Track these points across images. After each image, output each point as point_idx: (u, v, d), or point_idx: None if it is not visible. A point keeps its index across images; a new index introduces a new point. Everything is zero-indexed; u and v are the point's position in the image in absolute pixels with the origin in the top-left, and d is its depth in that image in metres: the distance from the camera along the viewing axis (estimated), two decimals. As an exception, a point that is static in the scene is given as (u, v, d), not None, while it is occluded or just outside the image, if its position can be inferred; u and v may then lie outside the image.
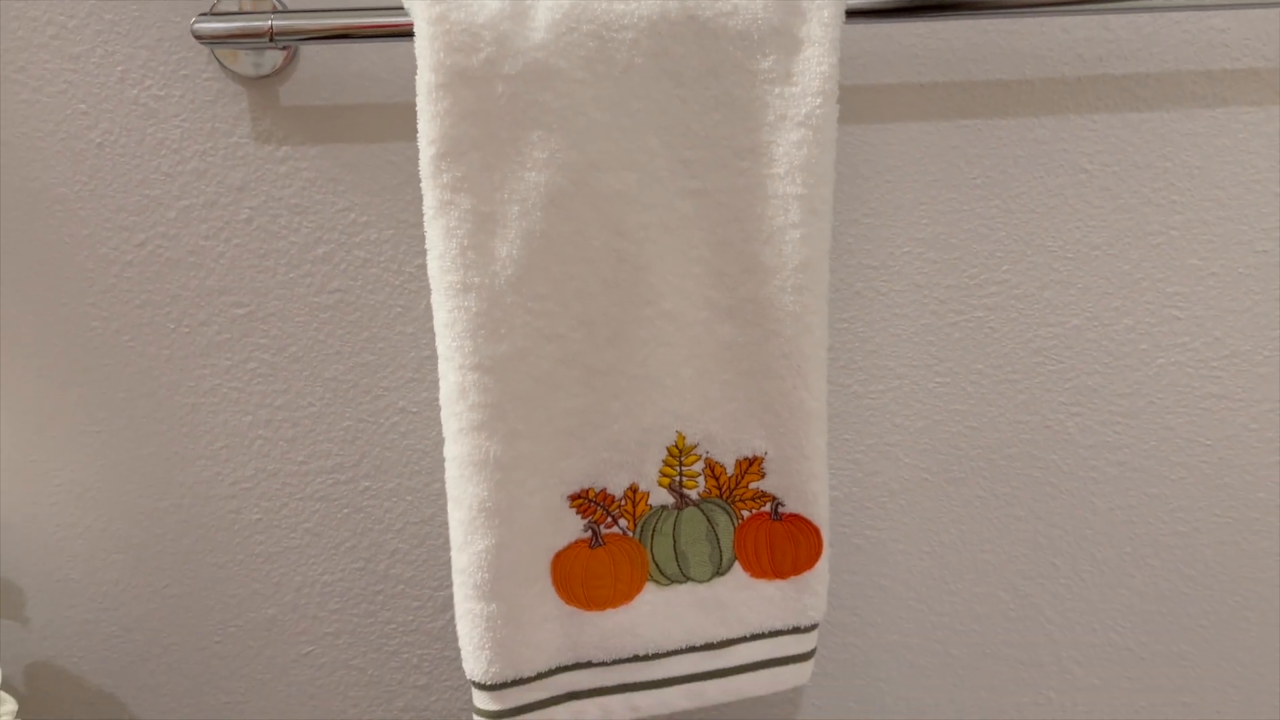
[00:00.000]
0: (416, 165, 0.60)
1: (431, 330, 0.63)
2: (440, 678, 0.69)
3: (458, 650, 0.69)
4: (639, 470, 0.58)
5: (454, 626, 0.68)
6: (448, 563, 0.67)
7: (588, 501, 0.57)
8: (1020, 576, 0.70)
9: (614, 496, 0.58)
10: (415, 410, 0.65)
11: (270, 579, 0.67)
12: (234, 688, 0.69)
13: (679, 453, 0.58)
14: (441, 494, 0.66)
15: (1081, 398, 0.67)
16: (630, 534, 0.58)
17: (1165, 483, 0.69)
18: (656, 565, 0.59)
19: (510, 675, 0.56)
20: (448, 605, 0.68)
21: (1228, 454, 0.69)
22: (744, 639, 0.60)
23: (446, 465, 0.55)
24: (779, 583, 0.60)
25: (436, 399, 0.65)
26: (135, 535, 0.66)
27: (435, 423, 0.65)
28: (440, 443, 0.65)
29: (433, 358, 0.64)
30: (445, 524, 0.67)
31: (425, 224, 0.53)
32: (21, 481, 0.64)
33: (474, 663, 0.56)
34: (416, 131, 0.50)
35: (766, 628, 0.60)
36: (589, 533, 0.58)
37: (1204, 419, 0.68)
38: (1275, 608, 0.71)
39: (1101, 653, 0.72)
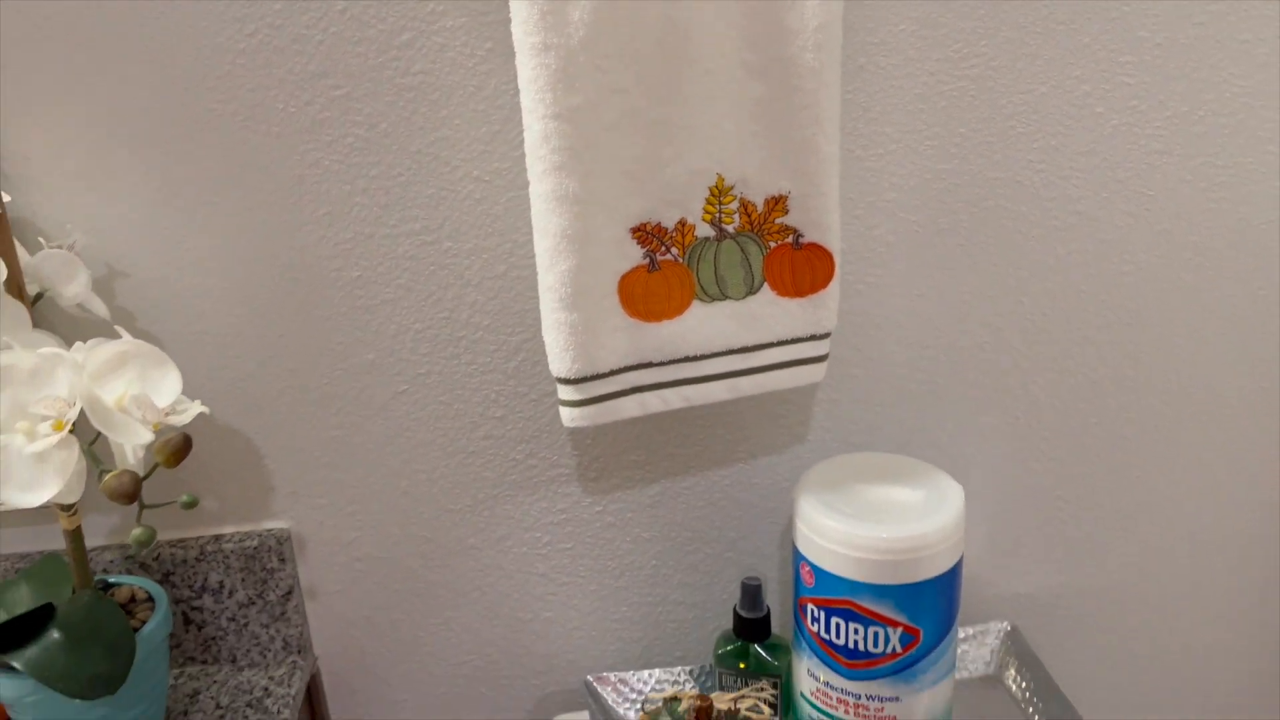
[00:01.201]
0: (485, -42, 0.70)
1: (499, 106, 0.74)
2: (514, 409, 0.83)
3: (529, 387, 0.82)
4: (687, 207, 0.70)
5: (525, 368, 0.81)
6: (519, 312, 0.80)
7: (646, 233, 0.70)
8: (994, 314, 0.84)
9: (667, 229, 0.70)
10: (487, 179, 0.77)
11: (370, 328, 0.79)
12: (341, 422, 0.82)
13: (719, 193, 0.70)
14: (512, 253, 0.78)
15: (1046, 156, 0.80)
16: (680, 260, 0.71)
17: (1114, 229, 0.82)
18: (701, 286, 0.72)
19: (589, 371, 0.70)
20: (519, 348, 0.81)
21: (1168, 204, 0.82)
22: (771, 344, 0.74)
23: (532, 201, 0.67)
24: (799, 300, 0.73)
25: (505, 169, 0.76)
26: (254, 293, 0.78)
27: (505, 189, 0.77)
28: (509, 207, 0.77)
29: (502, 132, 0.75)
30: (516, 279, 0.79)
31: (509, -7, 0.63)
32: (154, 249, 0.76)
33: (559, 362, 0.70)
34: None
35: (789, 335, 0.74)
36: (647, 259, 0.70)
37: (1148, 173, 0.81)
38: (1200, 332, 0.86)
39: (1061, 378, 0.87)
